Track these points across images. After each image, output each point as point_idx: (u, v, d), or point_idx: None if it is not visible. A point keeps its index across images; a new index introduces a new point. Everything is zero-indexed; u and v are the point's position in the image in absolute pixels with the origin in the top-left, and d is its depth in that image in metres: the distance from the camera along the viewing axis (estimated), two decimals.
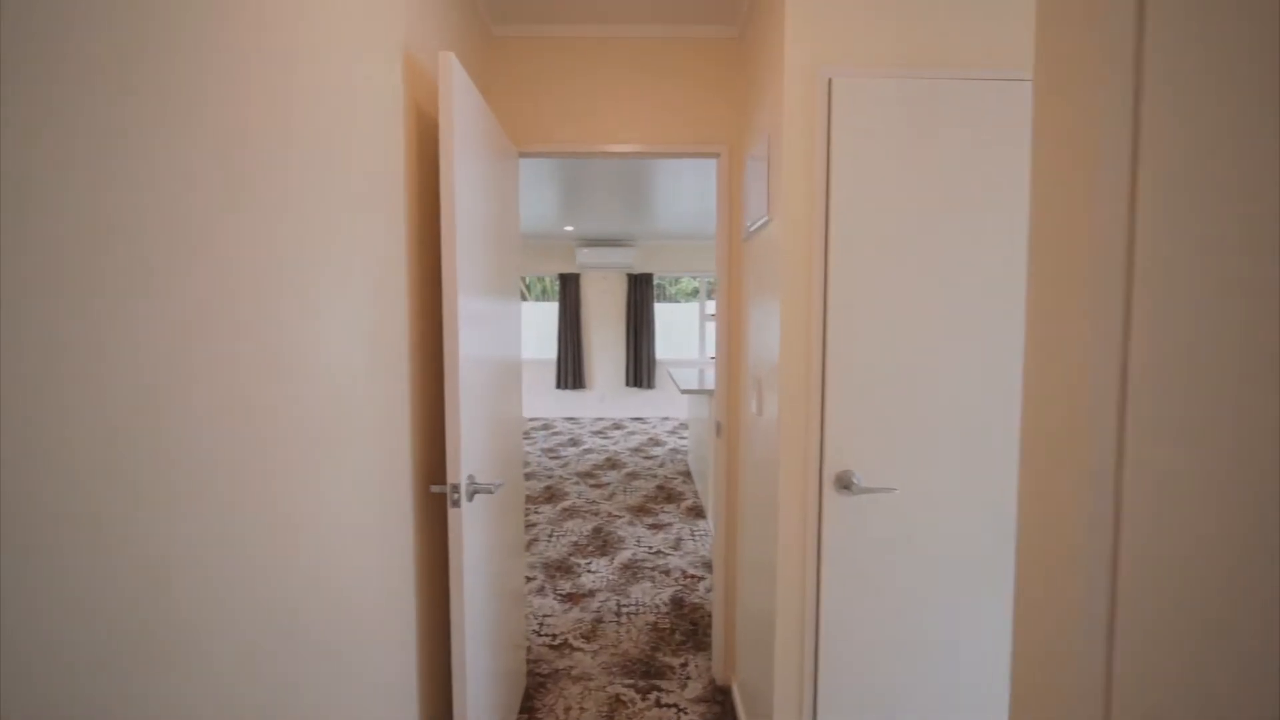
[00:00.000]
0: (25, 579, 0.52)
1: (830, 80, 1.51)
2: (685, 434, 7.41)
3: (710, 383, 4.75)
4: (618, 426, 7.96)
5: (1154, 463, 0.42)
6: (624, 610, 2.97)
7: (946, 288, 1.53)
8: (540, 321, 8.93)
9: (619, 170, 4.64)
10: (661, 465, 5.87)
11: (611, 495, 4.86)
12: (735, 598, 2.31)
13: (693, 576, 3.35)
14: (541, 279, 9.70)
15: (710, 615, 2.89)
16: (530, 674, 2.44)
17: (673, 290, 9.85)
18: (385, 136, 1.31)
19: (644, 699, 2.28)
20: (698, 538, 3.92)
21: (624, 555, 3.64)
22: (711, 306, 8.81)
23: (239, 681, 0.82)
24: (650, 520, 4.26)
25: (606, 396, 8.70)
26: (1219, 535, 0.37)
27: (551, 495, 4.87)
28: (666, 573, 3.40)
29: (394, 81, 1.36)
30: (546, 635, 2.74)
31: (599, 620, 2.88)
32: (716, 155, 2.23)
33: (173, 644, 0.71)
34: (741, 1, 2.05)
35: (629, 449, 6.59)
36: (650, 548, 3.76)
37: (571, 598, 3.11)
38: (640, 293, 8.44)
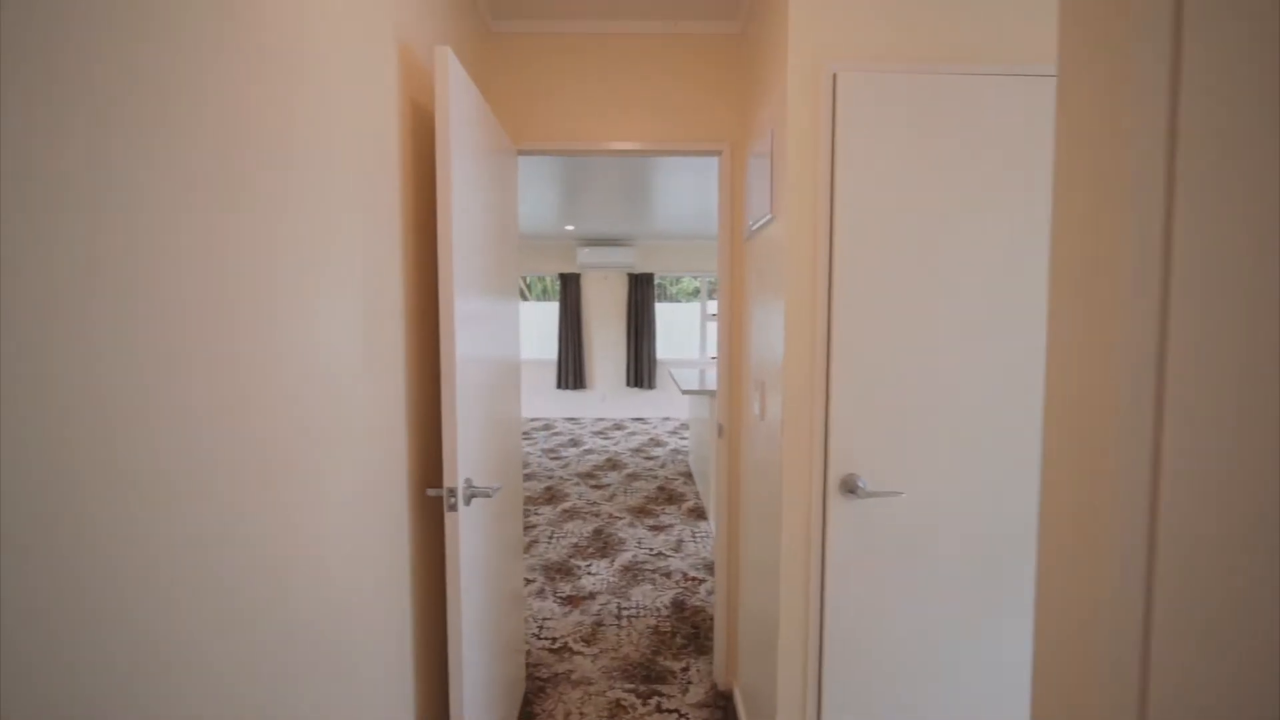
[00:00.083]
0: (23, 579, 0.52)
1: (835, 75, 1.48)
2: (686, 434, 7.38)
3: (711, 383, 4.72)
4: (618, 427, 7.93)
5: (1195, 452, 0.39)
6: (625, 613, 2.94)
7: (954, 287, 1.49)
8: (541, 321, 8.90)
9: (619, 169, 4.61)
10: (663, 466, 5.84)
11: (612, 496, 4.83)
12: (737, 601, 2.28)
13: (694, 579, 3.31)
14: (542, 279, 9.67)
15: (712, 619, 2.86)
16: (530, 678, 2.41)
17: (674, 290, 9.82)
18: (379, 132, 1.28)
19: (645, 704, 2.25)
20: (699, 539, 3.89)
21: (625, 557, 3.61)
22: (713, 306, 8.77)
23: (237, 684, 0.79)
24: (651, 522, 4.23)
25: (607, 397, 8.67)
26: (1267, 524, 0.34)
27: (552, 496, 4.84)
28: (668, 575, 3.36)
29: (389, 76, 1.33)
30: (546, 639, 2.71)
31: (599, 623, 2.85)
32: (718, 153, 2.20)
33: (166, 646, 0.68)
34: None
35: (630, 449, 6.56)
36: (651, 549, 3.72)
37: (571, 600, 3.07)
38: (641, 292, 8.41)
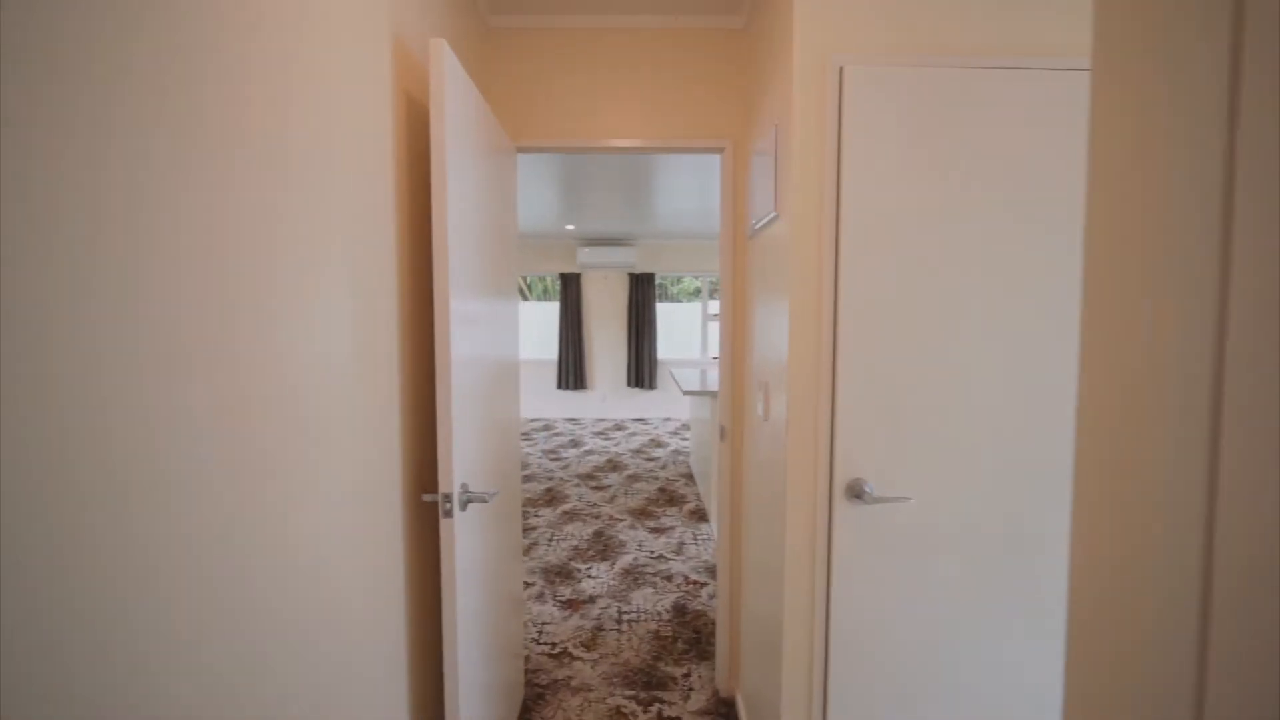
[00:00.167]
0: (22, 579, 0.53)
1: (842, 69, 1.44)
2: (687, 435, 7.34)
3: (713, 384, 4.68)
4: (619, 427, 7.89)
5: (1257, 466, 0.35)
6: (625, 618, 2.90)
7: (962, 287, 1.45)
8: (541, 321, 8.86)
9: (620, 168, 4.57)
10: (663, 467, 5.80)
11: (613, 498, 4.79)
12: (740, 607, 2.24)
13: (695, 582, 3.28)
14: (543, 279, 9.64)
15: (714, 623, 2.82)
16: (529, 684, 2.37)
17: (675, 290, 9.78)
18: (373, 126, 1.24)
19: (646, 711, 2.22)
20: (700, 542, 3.85)
21: (625, 560, 3.57)
22: (714, 306, 8.73)
23: (223, 687, 0.76)
24: (652, 524, 4.19)
25: (608, 397, 8.63)
26: None
27: (552, 498, 4.80)
28: (669, 578, 3.33)
29: (383, 69, 1.29)
30: (546, 644, 2.67)
31: (599, 628, 2.81)
32: (720, 150, 2.16)
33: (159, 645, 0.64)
34: None
35: (630, 450, 6.53)
36: (652, 552, 3.69)
37: (571, 604, 3.04)
38: (642, 292, 8.37)
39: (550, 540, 3.88)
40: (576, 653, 2.60)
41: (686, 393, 4.31)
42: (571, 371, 8.44)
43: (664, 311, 8.73)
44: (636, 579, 3.32)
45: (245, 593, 0.84)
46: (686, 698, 2.30)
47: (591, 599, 3.09)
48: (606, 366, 8.61)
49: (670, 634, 2.76)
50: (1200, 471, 0.39)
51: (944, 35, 1.46)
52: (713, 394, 4.19)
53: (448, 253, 1.33)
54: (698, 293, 9.11)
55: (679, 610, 2.97)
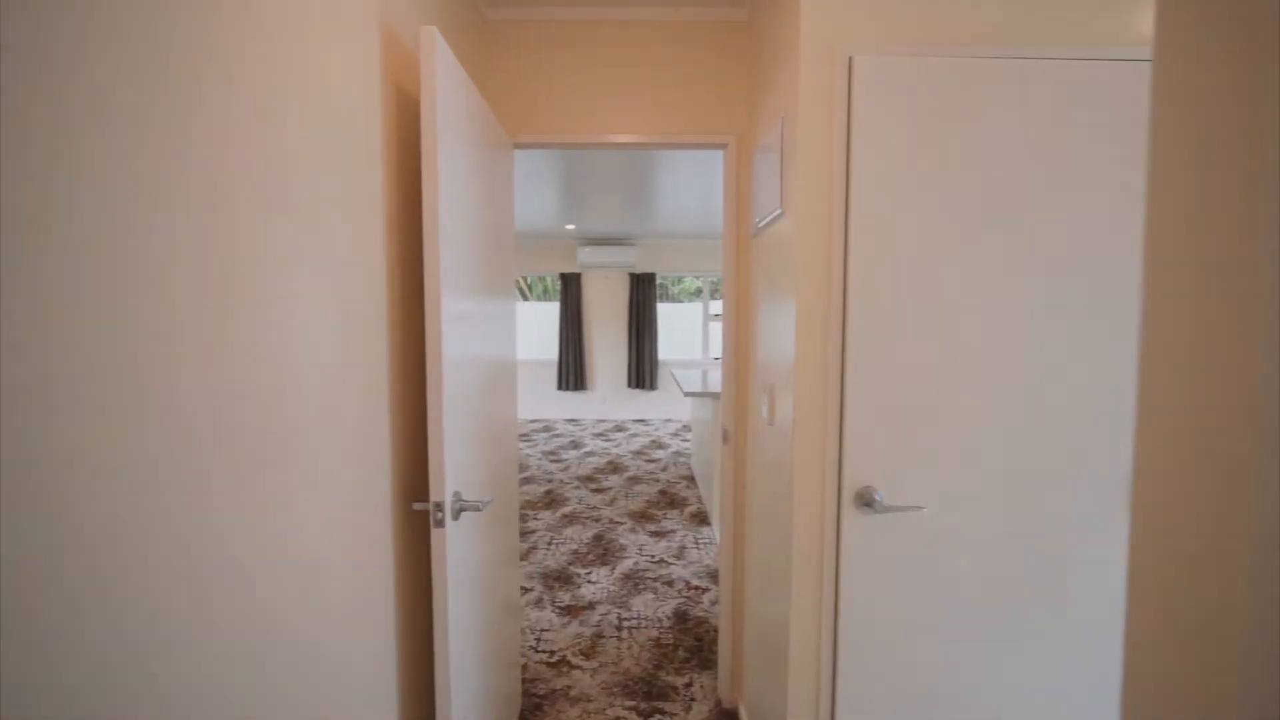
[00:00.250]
0: (17, 581, 0.53)
1: (851, 59, 1.38)
2: (688, 436, 7.28)
3: (714, 385, 4.62)
4: (620, 429, 7.83)
5: None
6: (625, 624, 2.84)
7: (982, 288, 1.39)
8: (541, 322, 8.81)
9: (620, 165, 4.51)
10: (664, 469, 5.74)
11: (613, 500, 4.73)
12: (743, 615, 2.18)
13: (697, 588, 3.21)
14: (543, 278, 9.59)
15: (716, 631, 2.76)
16: (526, 694, 2.31)
17: (675, 290, 9.72)
18: (359, 118, 1.18)
19: None
20: (702, 546, 3.79)
21: (625, 564, 3.51)
22: (716, 306, 8.68)
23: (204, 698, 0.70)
24: (653, 527, 4.13)
25: (608, 398, 8.57)
26: None
27: (551, 500, 4.74)
28: (669, 584, 3.26)
29: (370, 57, 1.23)
30: (544, 651, 2.61)
31: (599, 635, 2.75)
32: (723, 146, 2.10)
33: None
34: None
35: (631, 452, 6.47)
36: (652, 556, 3.62)
37: (570, 610, 2.98)
38: (643, 292, 8.31)
39: (549, 544, 3.82)
40: (575, 661, 2.54)
41: (688, 394, 4.25)
42: (572, 372, 8.39)
43: (665, 312, 8.67)
44: (637, 584, 3.26)
45: (205, 607, 0.78)
46: (688, 708, 2.24)
47: (591, 605, 3.03)
48: (607, 367, 8.55)
49: (671, 641, 2.70)
50: (1274, 474, 0.33)
51: (959, 23, 1.40)
52: (714, 395, 4.13)
53: (438, 249, 1.27)
54: (699, 293, 9.05)
55: (680, 617, 2.91)
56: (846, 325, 1.40)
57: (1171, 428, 0.42)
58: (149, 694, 0.68)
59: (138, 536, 0.66)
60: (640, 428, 7.90)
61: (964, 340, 1.40)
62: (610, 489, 5.05)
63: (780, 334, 1.61)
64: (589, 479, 5.37)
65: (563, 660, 2.54)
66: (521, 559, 3.58)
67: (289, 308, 0.94)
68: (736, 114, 2.10)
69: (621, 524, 4.20)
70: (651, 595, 3.13)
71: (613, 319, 8.49)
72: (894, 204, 1.38)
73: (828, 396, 1.43)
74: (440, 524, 1.30)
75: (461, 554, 1.41)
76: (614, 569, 3.45)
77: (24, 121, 0.53)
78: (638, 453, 6.43)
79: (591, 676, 2.43)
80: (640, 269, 8.27)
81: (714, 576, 3.34)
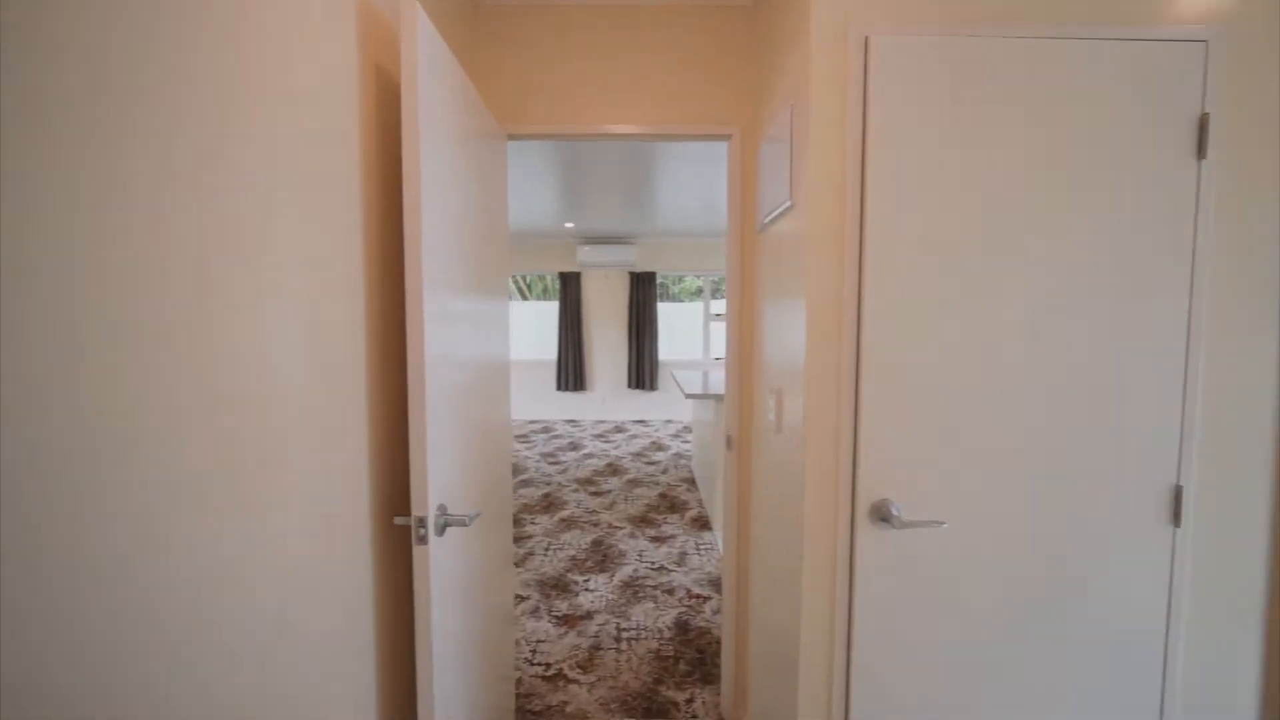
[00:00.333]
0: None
1: (867, 39, 1.28)
2: (689, 438, 7.18)
3: (716, 386, 4.53)
4: (619, 429, 7.73)
5: None
6: (624, 635, 2.74)
7: (1009, 285, 1.29)
8: (540, 321, 8.71)
9: (620, 161, 4.41)
10: (664, 471, 5.64)
11: (612, 504, 4.63)
12: (747, 628, 2.08)
13: (698, 596, 3.11)
14: (542, 277, 9.49)
15: (718, 642, 2.66)
16: (520, 710, 2.21)
17: (676, 289, 9.62)
18: (333, 98, 1.08)
19: None
20: (703, 552, 3.69)
21: (625, 571, 3.41)
22: (717, 306, 8.58)
23: None
24: (653, 532, 4.03)
25: (608, 398, 8.47)
26: None
27: (549, 504, 4.64)
28: (670, 592, 3.17)
29: (346, 34, 1.13)
30: (539, 664, 2.51)
31: (597, 647, 2.65)
32: (727, 138, 2.00)
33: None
34: None
35: (631, 454, 6.37)
36: (653, 563, 3.53)
37: (567, 620, 2.88)
38: (643, 292, 8.22)
39: (547, 550, 3.72)
40: (572, 674, 2.44)
41: (689, 396, 4.15)
42: (571, 372, 8.29)
43: (665, 311, 8.57)
44: (636, 592, 3.16)
45: (170, 617, 0.68)
46: None
47: (589, 614, 2.94)
48: (607, 367, 8.45)
49: (672, 654, 2.60)
50: None
51: (981, 1, 1.30)
52: (716, 397, 4.04)
53: (421, 243, 1.17)
54: (699, 292, 8.95)
55: (681, 627, 2.81)
56: (861, 326, 1.30)
57: None
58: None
59: (69, 547, 0.58)
60: (640, 429, 7.80)
61: (989, 342, 1.30)
62: (610, 492, 4.95)
63: (788, 335, 1.51)
64: (588, 482, 5.27)
65: (559, 674, 2.45)
66: (517, 565, 3.49)
67: (250, 304, 0.84)
68: (742, 103, 2.00)
69: (621, 529, 4.10)
70: (651, 604, 3.04)
71: (613, 319, 8.39)
72: (913, 194, 1.28)
73: (841, 402, 1.33)
74: (423, 541, 1.20)
75: (447, 571, 1.32)
76: (613, 576, 3.35)
77: None
78: (637, 455, 6.33)
79: (589, 691, 2.33)
80: (640, 268, 8.17)
81: (716, 584, 3.25)
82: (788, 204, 1.49)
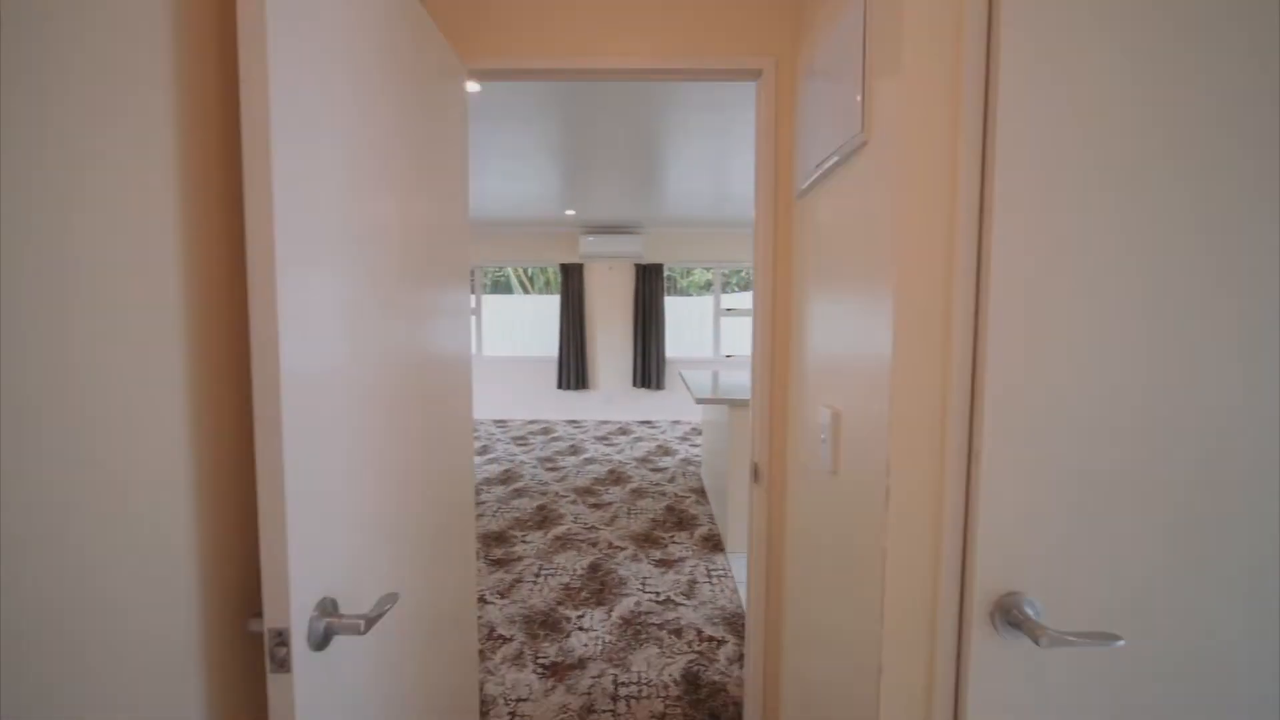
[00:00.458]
0: None
1: None
2: (698, 441, 6.71)
3: (728, 389, 4.05)
4: (624, 431, 7.28)
5: None
6: (623, 692, 2.29)
7: (1237, 281, 0.81)
8: (541, 316, 8.25)
9: (625, 134, 3.93)
10: (671, 480, 5.18)
11: (613, 518, 4.18)
12: (778, 694, 1.62)
13: (711, 639, 2.65)
14: (544, 270, 9.04)
15: (737, 705, 2.20)
16: None
17: (684, 283, 9.14)
18: None
19: None
20: (715, 580, 3.23)
21: (625, 604, 2.95)
22: (728, 301, 8.10)
23: None
24: (658, 554, 3.57)
25: (612, 398, 8.02)
26: None
27: (544, 518, 4.19)
28: (678, 632, 2.71)
29: None
30: None
31: (590, 708, 2.19)
32: (756, 74, 1.53)
33: None
34: None
35: (635, 459, 5.91)
36: (657, 594, 3.07)
37: (555, 671, 2.42)
38: (649, 285, 7.74)
39: (537, 576, 3.27)
40: None
41: (700, 401, 3.68)
42: (573, 370, 7.84)
43: (672, 306, 8.09)
44: (638, 633, 2.70)
45: None
46: None
47: (581, 662, 2.48)
48: (611, 365, 7.99)
49: (681, 716, 2.14)
50: None
51: None
52: (730, 402, 3.57)
53: (271, 185, 0.71)
54: (708, 286, 8.47)
55: (691, 681, 2.35)
56: (983, 334, 0.83)
57: None
58: None
59: None
60: (645, 430, 7.34)
61: (1194, 363, 0.82)
62: (611, 504, 4.49)
63: (851, 338, 1.04)
64: (587, 491, 4.82)
65: None
66: (502, 596, 3.04)
67: None
68: (776, 29, 1.52)
69: (622, 549, 3.64)
70: (656, 649, 2.58)
71: (617, 313, 7.92)
72: (1077, 119, 0.80)
73: (946, 442, 0.86)
74: (283, 666, 0.74)
75: (338, 704, 0.86)
76: (611, 611, 2.90)
77: None
78: (642, 460, 5.87)
79: None
80: (647, 259, 7.70)
81: (731, 623, 2.78)
82: (857, 139, 1.01)
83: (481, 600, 2.98)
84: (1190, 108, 0.79)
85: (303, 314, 0.77)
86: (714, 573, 3.32)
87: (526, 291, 9.95)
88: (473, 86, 3.22)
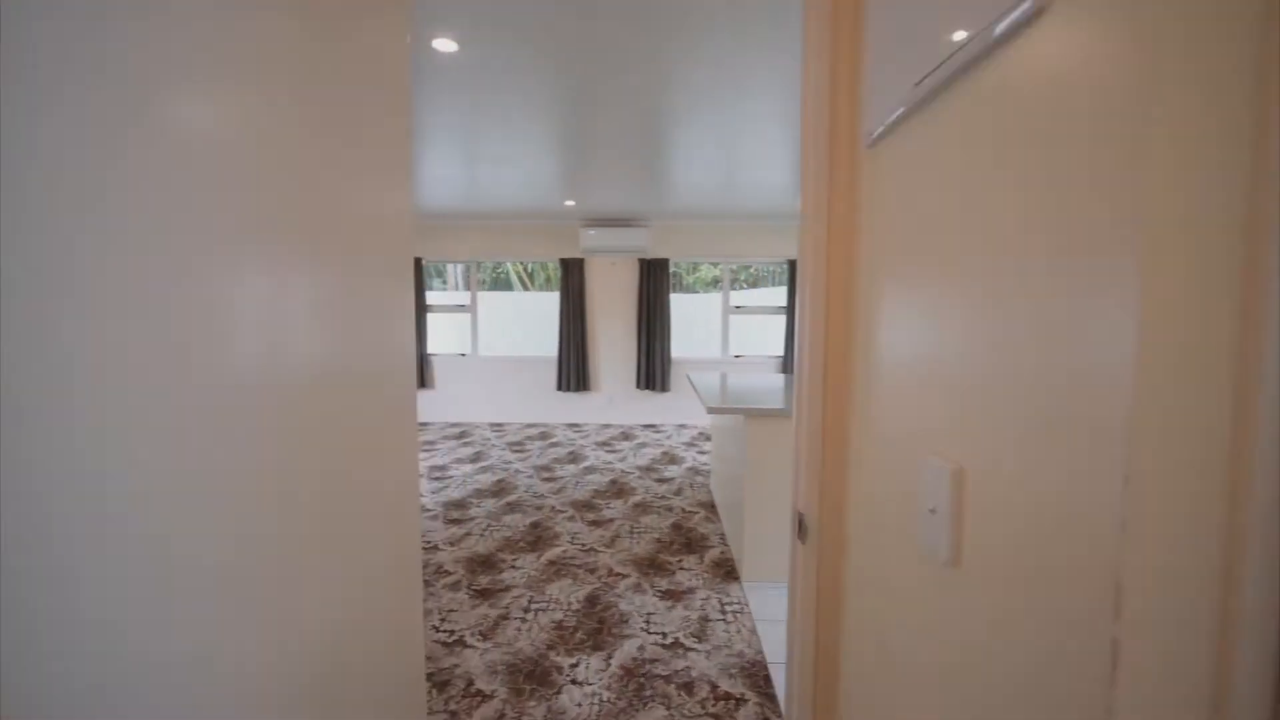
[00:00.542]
0: None
1: None
2: (706, 447, 6.30)
3: (740, 394, 3.63)
4: (627, 436, 6.87)
5: None
6: None
7: None
8: (540, 314, 7.84)
9: (631, 125, 3.51)
10: (678, 492, 4.76)
11: (614, 538, 3.77)
12: None
13: (728, 697, 2.24)
14: (545, 266, 8.64)
15: None
16: None
17: (690, 280, 8.73)
18: None
19: None
20: (730, 617, 2.81)
21: (627, 649, 2.54)
22: (737, 298, 7.68)
23: None
24: (665, 583, 3.15)
25: (614, 400, 7.61)
26: None
27: (538, 538, 3.78)
28: (688, 687, 2.29)
29: None
30: None
31: None
32: None
33: None
34: None
35: (639, 467, 5.49)
36: (664, 635, 2.65)
37: None
38: (654, 281, 7.32)
39: (526, 611, 2.86)
40: None
41: (712, 410, 3.25)
42: (573, 371, 7.43)
43: (678, 303, 7.67)
44: (641, 687, 2.29)
45: None
46: None
47: None
48: (613, 366, 7.58)
49: None
50: None
51: None
52: (744, 412, 3.15)
53: None
54: (716, 283, 8.05)
55: None
56: None
57: None
58: None
59: None
60: (650, 435, 6.93)
61: None
62: (612, 521, 4.08)
63: (1001, 357, 0.63)
64: (586, 505, 4.41)
65: None
66: (485, 637, 2.63)
67: None
68: None
69: (624, 576, 3.23)
70: (663, 710, 2.16)
71: (620, 311, 7.51)
72: None
73: (1250, 551, 0.44)
74: None
75: None
76: (610, 658, 2.48)
77: None
78: (646, 469, 5.45)
79: None
80: (652, 254, 7.28)
81: (751, 675, 2.37)
82: (1025, 7, 0.58)
83: (461, 643, 2.57)
84: None
85: None
86: (728, 608, 2.90)
87: (527, 288, 9.54)
88: (448, 45, 2.81)
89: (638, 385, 7.50)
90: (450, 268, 8.42)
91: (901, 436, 0.87)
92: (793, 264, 7.31)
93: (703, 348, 7.73)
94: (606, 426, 7.42)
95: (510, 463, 5.64)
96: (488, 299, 7.91)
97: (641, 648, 2.55)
